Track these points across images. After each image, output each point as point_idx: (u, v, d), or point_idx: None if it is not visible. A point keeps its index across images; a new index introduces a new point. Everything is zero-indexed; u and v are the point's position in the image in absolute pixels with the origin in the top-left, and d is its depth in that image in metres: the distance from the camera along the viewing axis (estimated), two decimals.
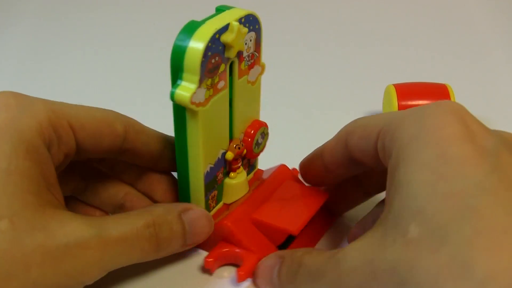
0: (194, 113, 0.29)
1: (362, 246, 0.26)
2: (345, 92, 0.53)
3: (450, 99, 0.44)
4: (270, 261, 0.31)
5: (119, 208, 0.35)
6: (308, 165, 0.35)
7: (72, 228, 0.26)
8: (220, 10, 0.30)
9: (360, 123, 0.30)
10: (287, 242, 0.34)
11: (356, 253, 0.26)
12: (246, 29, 0.30)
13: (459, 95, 0.44)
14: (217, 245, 0.33)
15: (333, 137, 0.33)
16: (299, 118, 0.49)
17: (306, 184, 0.37)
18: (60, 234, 0.26)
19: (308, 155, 0.35)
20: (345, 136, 0.31)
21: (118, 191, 0.35)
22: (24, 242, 0.25)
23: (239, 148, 0.33)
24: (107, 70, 0.56)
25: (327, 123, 0.45)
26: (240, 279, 0.32)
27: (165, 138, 0.34)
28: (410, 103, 0.44)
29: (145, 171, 0.35)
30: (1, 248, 0.24)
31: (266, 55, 0.57)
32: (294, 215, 0.33)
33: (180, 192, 0.33)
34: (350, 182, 0.35)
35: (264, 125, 0.35)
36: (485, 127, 0.26)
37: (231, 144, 0.33)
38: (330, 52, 0.59)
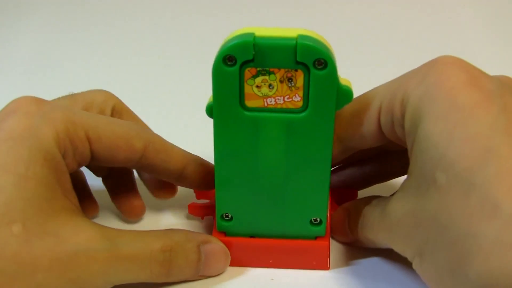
0: None
1: (403, 196, 0.27)
2: None
3: None
4: (338, 215, 0.33)
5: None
6: None
7: (85, 238, 0.27)
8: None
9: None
10: None
11: (399, 204, 0.27)
12: None
13: None
14: None
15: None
16: None
17: None
18: (71, 242, 0.27)
19: None
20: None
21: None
22: (34, 246, 0.26)
23: None
24: (116, 70, 0.55)
25: None
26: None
27: (187, 157, 0.33)
28: None
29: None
30: (11, 250, 0.25)
31: None
32: None
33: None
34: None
35: None
36: (484, 72, 0.27)
37: None
38: None
